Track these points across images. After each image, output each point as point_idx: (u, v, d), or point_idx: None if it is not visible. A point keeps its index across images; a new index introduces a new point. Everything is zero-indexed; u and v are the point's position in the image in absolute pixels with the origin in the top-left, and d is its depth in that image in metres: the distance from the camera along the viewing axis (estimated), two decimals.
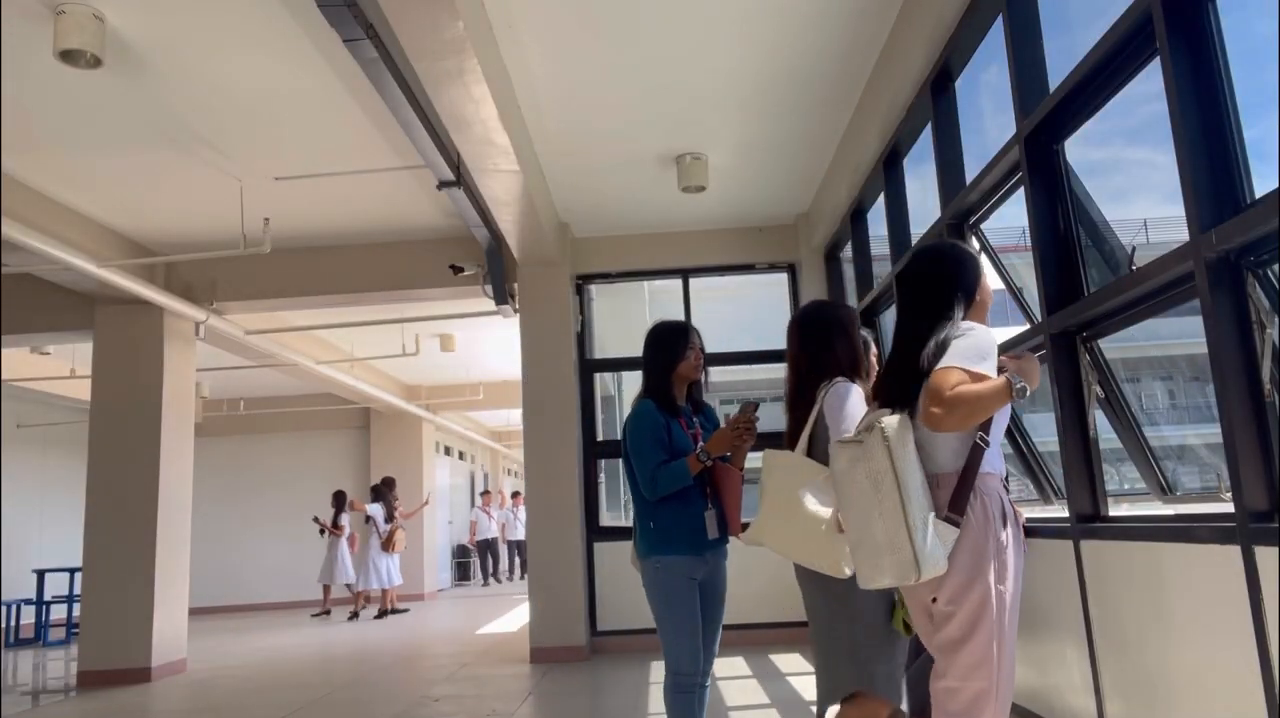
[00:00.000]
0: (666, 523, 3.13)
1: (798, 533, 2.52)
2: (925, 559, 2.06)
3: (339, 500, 12.01)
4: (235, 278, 7.51)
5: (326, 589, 12.03)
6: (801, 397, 2.78)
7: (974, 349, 2.13)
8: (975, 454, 2.16)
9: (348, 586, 11.83)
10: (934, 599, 2.20)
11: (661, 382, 3.25)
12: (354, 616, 11.37)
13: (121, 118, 5.14)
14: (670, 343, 3.28)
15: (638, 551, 3.21)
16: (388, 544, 11.50)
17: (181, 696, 6.34)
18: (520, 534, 17.41)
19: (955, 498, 2.14)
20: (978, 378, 2.09)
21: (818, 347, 2.79)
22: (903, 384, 2.24)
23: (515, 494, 17.86)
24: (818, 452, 2.62)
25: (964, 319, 2.24)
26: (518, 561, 17.84)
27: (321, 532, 11.93)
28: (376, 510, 11.61)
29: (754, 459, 3.04)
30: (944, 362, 2.12)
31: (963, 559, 2.13)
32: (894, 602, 2.62)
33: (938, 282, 2.31)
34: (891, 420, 2.15)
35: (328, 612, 11.85)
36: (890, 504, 2.09)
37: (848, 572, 2.44)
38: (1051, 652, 3.66)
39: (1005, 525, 2.17)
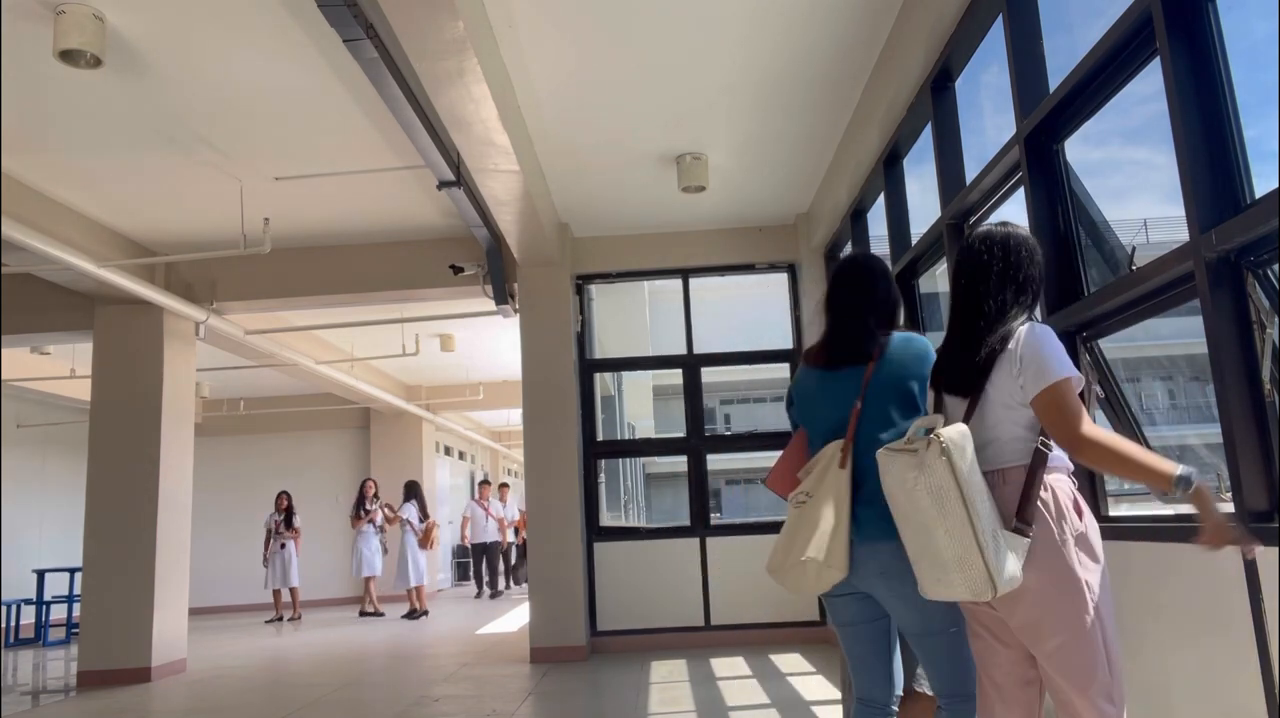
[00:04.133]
0: None
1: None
2: (999, 575, 1.97)
3: (288, 500, 11.85)
4: (235, 278, 7.51)
5: (278, 594, 11.67)
6: None
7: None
8: (1039, 458, 2.08)
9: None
10: (992, 608, 2.13)
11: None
12: (412, 612, 11.22)
13: (121, 118, 5.14)
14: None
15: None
16: (425, 542, 11.52)
17: (181, 696, 6.34)
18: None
19: (1022, 506, 2.05)
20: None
21: None
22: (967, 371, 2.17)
23: (502, 487, 15.46)
24: None
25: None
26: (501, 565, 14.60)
27: (268, 539, 11.61)
28: (411, 511, 11.65)
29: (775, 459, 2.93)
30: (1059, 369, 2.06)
31: (1040, 565, 2.02)
32: None
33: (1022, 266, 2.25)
34: (951, 432, 2.05)
35: (281, 618, 11.52)
36: (956, 521, 1.99)
37: None
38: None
39: (1081, 516, 2.07)
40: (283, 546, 11.63)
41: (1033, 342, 2.11)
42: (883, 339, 2.51)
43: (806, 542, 2.34)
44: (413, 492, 11.85)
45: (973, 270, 2.24)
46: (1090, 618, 2.03)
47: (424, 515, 11.77)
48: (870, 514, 2.34)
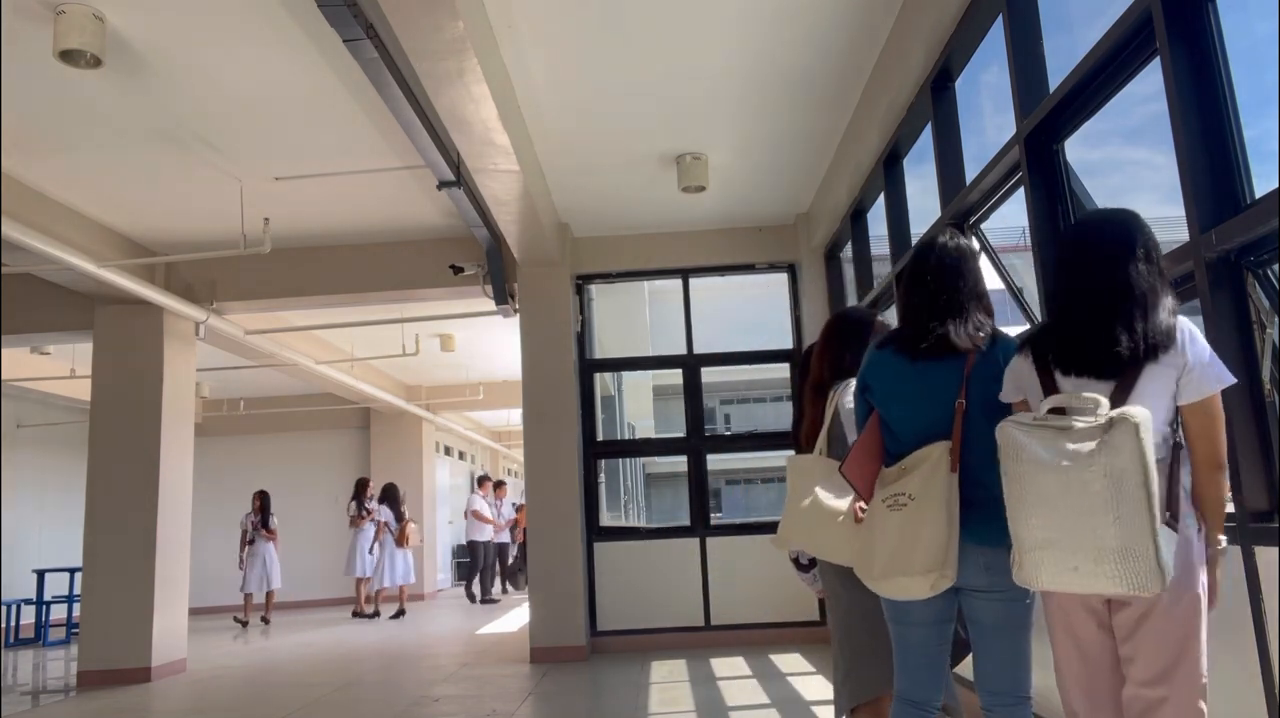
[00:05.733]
0: None
1: (819, 528, 2.59)
2: (1168, 568, 1.84)
3: (264, 500, 11.72)
4: (235, 278, 7.51)
5: (270, 597, 11.51)
6: (820, 394, 2.88)
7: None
8: (1178, 450, 1.99)
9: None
10: (1108, 604, 2.06)
11: None
12: (375, 614, 11.31)
13: (121, 118, 5.13)
14: None
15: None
16: (401, 540, 11.59)
17: (181, 696, 6.34)
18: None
19: (1169, 501, 1.93)
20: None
21: (843, 349, 2.85)
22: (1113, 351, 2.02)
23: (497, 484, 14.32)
24: (836, 450, 2.71)
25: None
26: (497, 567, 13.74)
27: (248, 539, 11.49)
28: (386, 513, 11.70)
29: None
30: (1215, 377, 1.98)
31: (1179, 566, 1.92)
32: None
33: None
34: (1141, 412, 1.89)
35: (247, 622, 11.35)
36: (1133, 507, 1.85)
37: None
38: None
39: (1200, 530, 2.01)
40: (252, 542, 11.48)
41: (1201, 342, 2.01)
42: (990, 330, 2.35)
43: (921, 551, 2.18)
44: (389, 494, 11.88)
45: (1110, 250, 2.09)
46: (1203, 623, 1.98)
47: (399, 517, 11.80)
48: (980, 517, 2.20)
